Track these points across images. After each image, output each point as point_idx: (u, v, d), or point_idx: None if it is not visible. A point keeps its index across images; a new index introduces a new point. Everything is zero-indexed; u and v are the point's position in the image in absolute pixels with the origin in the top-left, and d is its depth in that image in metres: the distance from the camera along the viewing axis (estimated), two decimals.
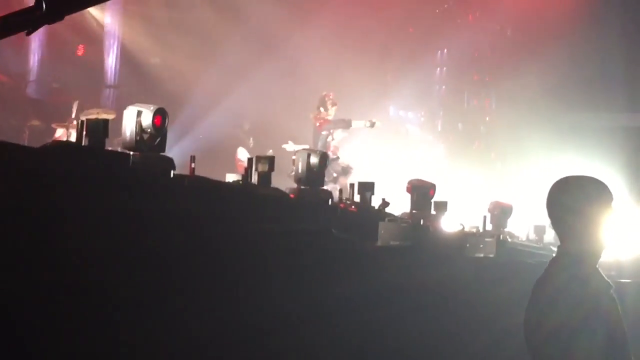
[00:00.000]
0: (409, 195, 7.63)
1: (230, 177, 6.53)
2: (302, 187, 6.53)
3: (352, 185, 7.49)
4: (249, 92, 13.69)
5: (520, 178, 14.28)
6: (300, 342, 4.71)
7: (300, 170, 6.53)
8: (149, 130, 4.88)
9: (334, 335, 4.96)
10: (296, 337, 4.69)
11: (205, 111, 13.63)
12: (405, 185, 7.72)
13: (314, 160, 6.56)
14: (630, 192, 12.41)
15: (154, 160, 4.88)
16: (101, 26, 14.54)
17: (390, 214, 7.05)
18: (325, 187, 6.88)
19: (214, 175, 5.57)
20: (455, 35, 15.57)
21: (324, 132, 11.63)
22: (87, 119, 4.67)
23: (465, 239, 7.41)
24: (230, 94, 13.55)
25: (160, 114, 4.91)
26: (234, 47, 13.80)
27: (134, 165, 4.68)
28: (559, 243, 3.36)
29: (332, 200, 6.69)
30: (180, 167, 5.14)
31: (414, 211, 7.50)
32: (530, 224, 10.33)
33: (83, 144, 4.55)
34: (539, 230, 10.02)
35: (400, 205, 7.84)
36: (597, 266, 3.27)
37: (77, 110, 11.25)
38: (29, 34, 2.73)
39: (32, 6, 2.70)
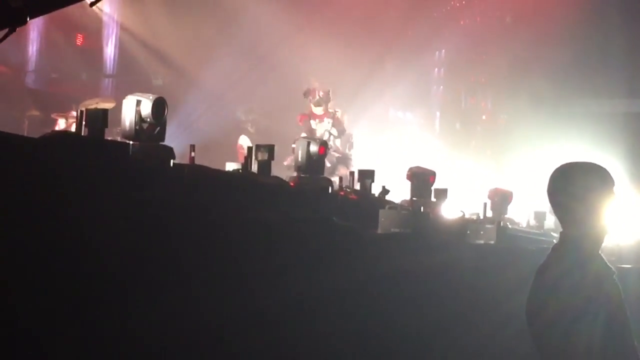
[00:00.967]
0: (409, 183, 7.62)
1: (230, 166, 6.53)
2: (302, 175, 6.53)
3: (352, 173, 7.49)
4: (251, 81, 13.71)
5: (520, 164, 14.28)
6: (300, 328, 4.72)
7: (300, 159, 6.52)
8: (148, 119, 4.86)
9: (335, 322, 4.96)
10: (296, 324, 4.69)
11: (206, 100, 13.62)
12: (405, 172, 7.71)
13: (314, 148, 6.55)
14: (631, 178, 12.38)
15: (154, 150, 4.87)
16: (99, 16, 14.50)
17: (390, 202, 7.04)
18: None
19: (213, 165, 5.57)
20: (454, 35, 15.63)
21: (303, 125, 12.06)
22: (86, 109, 4.66)
23: (465, 225, 7.40)
24: (232, 82, 13.55)
25: (159, 104, 4.90)
26: (234, 40, 13.80)
27: (133, 154, 4.67)
28: (560, 229, 3.36)
29: (332, 189, 6.68)
30: (180, 157, 5.13)
31: (414, 198, 7.48)
32: (530, 210, 10.32)
33: (82, 133, 4.54)
34: (540, 217, 10.00)
35: (400, 192, 7.83)
36: (599, 252, 3.27)
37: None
38: None
39: None
